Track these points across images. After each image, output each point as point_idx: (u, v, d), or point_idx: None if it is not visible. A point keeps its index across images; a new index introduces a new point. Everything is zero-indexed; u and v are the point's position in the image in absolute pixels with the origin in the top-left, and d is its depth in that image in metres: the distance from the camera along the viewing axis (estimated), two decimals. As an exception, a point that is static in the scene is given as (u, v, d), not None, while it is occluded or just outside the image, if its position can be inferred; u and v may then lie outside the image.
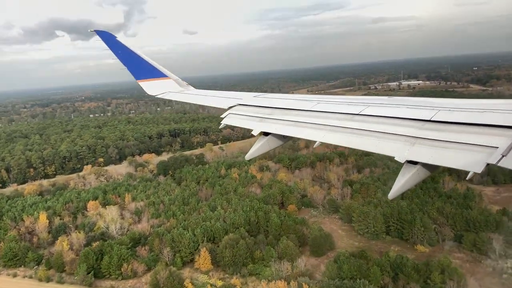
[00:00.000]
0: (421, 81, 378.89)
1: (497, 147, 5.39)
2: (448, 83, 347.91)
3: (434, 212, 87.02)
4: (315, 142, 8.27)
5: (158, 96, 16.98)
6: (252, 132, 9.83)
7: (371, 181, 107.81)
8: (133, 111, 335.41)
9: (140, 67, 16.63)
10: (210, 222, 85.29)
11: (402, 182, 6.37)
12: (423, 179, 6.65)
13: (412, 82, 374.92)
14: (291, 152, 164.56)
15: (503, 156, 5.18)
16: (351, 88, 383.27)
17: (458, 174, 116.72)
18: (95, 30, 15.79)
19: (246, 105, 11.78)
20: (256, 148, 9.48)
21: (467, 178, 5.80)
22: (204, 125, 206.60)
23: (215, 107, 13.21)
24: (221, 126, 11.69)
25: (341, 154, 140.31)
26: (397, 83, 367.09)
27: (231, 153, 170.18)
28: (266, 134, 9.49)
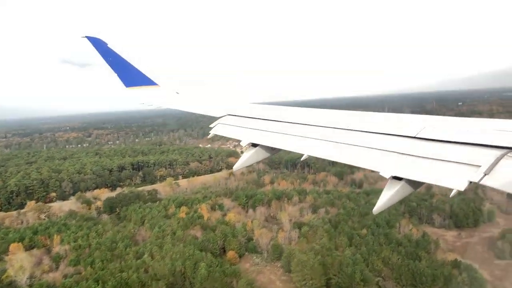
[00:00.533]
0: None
1: (480, 166, 5.45)
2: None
3: (380, 263, 77.52)
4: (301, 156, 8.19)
5: (148, 104, 16.52)
6: (241, 143, 9.66)
7: (321, 224, 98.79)
8: (111, 142, 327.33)
9: (130, 75, 16.45)
10: (128, 273, 75.22)
11: (386, 197, 6.34)
12: (407, 195, 6.57)
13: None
14: (256, 187, 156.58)
15: (485, 174, 5.25)
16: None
17: (419, 217, 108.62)
18: (86, 36, 15.52)
19: (236, 115, 11.63)
20: (244, 160, 9.32)
21: (450, 196, 5.72)
22: (171, 158, 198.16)
23: (205, 115, 13.00)
24: (209, 136, 11.60)
25: (302, 192, 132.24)
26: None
27: (192, 188, 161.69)
28: (254, 145, 9.35)
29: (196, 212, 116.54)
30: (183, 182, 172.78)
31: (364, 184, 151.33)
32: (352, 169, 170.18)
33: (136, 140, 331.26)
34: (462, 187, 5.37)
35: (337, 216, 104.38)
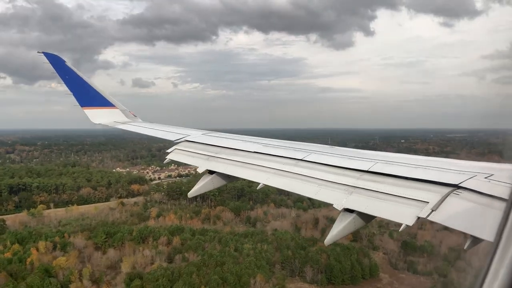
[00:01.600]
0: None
1: (428, 202, 5.59)
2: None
3: None
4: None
5: (103, 125, 15.97)
6: (198, 169, 9.64)
7: (159, 276, 77.81)
8: (35, 159, 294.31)
9: (87, 94, 16.02)
10: None
11: (338, 229, 6.41)
12: (358, 228, 6.68)
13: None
14: (138, 221, 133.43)
15: (432, 210, 5.38)
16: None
17: (292, 269, 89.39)
18: (43, 52, 15.14)
19: (194, 141, 11.46)
20: (200, 186, 9.29)
21: (399, 230, 5.83)
22: (59, 181, 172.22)
23: (162, 139, 12.89)
24: (166, 161, 11.51)
25: (177, 230, 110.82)
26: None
27: (67, 218, 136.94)
28: (211, 172, 9.31)
29: (27, 252, 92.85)
30: (60, 211, 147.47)
31: (257, 223, 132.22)
32: (252, 205, 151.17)
33: (61, 159, 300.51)
34: (410, 222, 5.49)
35: (187, 267, 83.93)
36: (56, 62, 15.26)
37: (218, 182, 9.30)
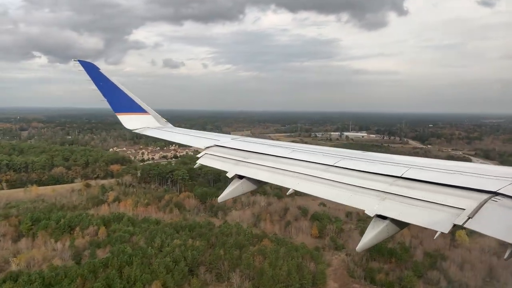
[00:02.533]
0: (365, 134, 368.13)
1: (464, 209, 5.45)
2: (392, 137, 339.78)
3: None
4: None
5: (136, 131, 16.54)
6: (227, 174, 9.45)
7: (36, 278, 63.37)
8: (37, 137, 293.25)
9: (120, 100, 16.43)
10: None
11: (370, 236, 6.26)
12: (392, 235, 6.50)
13: (357, 134, 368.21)
14: (92, 206, 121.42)
15: (469, 218, 5.23)
16: (292, 134, 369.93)
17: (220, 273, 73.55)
18: (78, 60, 15.50)
19: (223, 146, 11.45)
20: (230, 191, 9.15)
21: (434, 237, 5.78)
22: (30, 159, 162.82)
23: (193, 146, 13.12)
24: (196, 166, 11.34)
25: (114, 218, 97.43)
26: (339, 133, 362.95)
27: (14, 200, 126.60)
28: (240, 177, 9.19)
29: None
30: (18, 192, 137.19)
31: (220, 212, 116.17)
32: (219, 191, 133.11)
33: (68, 137, 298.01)
34: (446, 230, 5.35)
35: (80, 268, 68.92)
36: (91, 69, 15.55)
37: (248, 187, 9.21)
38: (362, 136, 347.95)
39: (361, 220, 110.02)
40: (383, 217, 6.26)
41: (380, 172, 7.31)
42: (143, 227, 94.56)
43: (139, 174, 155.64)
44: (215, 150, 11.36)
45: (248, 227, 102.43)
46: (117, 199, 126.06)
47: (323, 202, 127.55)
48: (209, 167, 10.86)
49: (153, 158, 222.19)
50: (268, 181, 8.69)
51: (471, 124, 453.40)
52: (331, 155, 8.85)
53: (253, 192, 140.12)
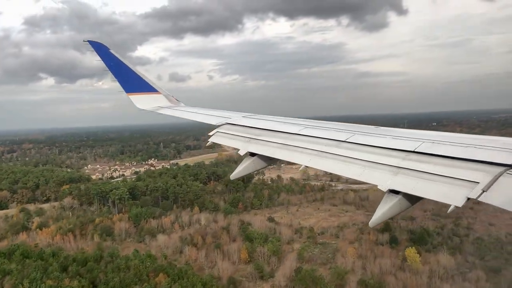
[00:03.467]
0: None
1: (478, 183, 5.36)
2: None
3: None
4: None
5: (148, 110, 15.90)
6: (239, 152, 9.39)
7: None
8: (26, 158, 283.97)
9: (131, 81, 16.03)
10: None
11: (383, 211, 6.14)
12: (405, 210, 6.40)
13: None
14: (14, 233, 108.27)
15: (483, 191, 5.16)
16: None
17: None
18: (88, 41, 15.16)
19: (235, 124, 11.28)
20: (242, 168, 9.09)
21: (448, 211, 5.63)
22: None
23: (204, 123, 12.66)
24: (208, 144, 11.31)
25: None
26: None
27: None
28: (252, 154, 9.10)
29: None
30: None
31: (148, 237, 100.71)
32: (178, 209, 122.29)
33: (52, 156, 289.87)
34: (460, 203, 5.27)
35: None
36: (101, 49, 15.25)
37: (259, 164, 9.09)
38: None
39: (311, 237, 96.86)
40: (396, 192, 6.11)
41: (393, 147, 7.12)
42: (26, 264, 78.71)
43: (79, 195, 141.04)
44: (227, 128, 11.26)
45: (163, 255, 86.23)
46: (42, 226, 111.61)
47: (273, 218, 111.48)
48: (221, 144, 11.16)
49: (123, 175, 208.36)
50: (279, 158, 8.68)
51: (478, 120, 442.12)
52: (343, 130, 8.64)
53: (205, 208, 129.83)
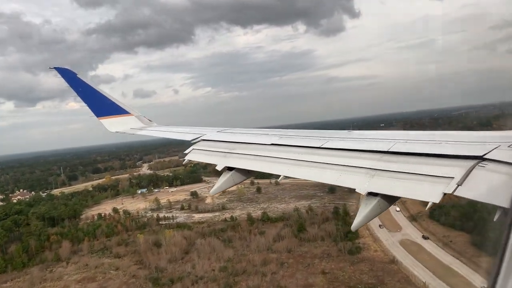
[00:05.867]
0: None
1: (453, 177, 5.36)
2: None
3: None
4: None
5: (120, 133, 15.76)
6: (217, 167, 9.34)
7: None
8: None
9: (101, 104, 15.85)
10: None
11: (364, 214, 6.16)
12: (384, 210, 6.44)
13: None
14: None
15: (458, 185, 5.17)
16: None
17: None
18: (55, 68, 15.02)
19: (210, 140, 11.29)
20: (221, 184, 9.04)
21: (426, 208, 5.92)
22: None
23: (179, 140, 12.61)
24: (184, 162, 11.26)
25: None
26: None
27: None
28: (230, 169, 9.10)
29: None
30: None
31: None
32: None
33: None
34: (437, 200, 5.27)
35: None
36: (68, 75, 15.16)
37: (238, 178, 9.02)
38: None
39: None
40: (374, 194, 6.14)
41: (367, 149, 7.13)
42: None
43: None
44: (202, 145, 11.19)
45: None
46: None
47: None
48: (198, 161, 10.83)
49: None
50: (257, 170, 8.66)
51: (431, 117, 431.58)
52: (317, 137, 8.61)
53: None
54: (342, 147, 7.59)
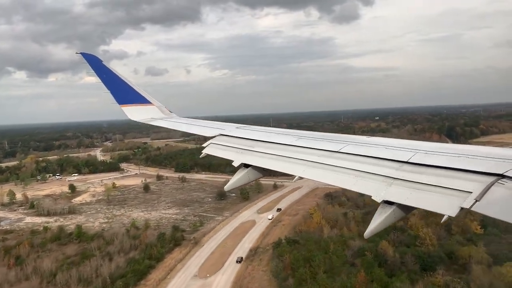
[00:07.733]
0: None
1: (471, 192, 5.35)
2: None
3: None
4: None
5: (141, 122, 15.88)
6: (233, 163, 9.31)
7: None
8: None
9: (124, 92, 15.89)
10: None
11: (378, 222, 6.13)
12: (398, 220, 6.45)
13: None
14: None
15: (476, 201, 5.16)
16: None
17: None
18: (81, 53, 15.01)
19: (228, 135, 11.31)
20: (236, 180, 9.01)
21: (441, 222, 5.72)
22: None
23: (198, 135, 12.72)
24: (202, 156, 11.11)
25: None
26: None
27: None
28: (246, 166, 9.08)
29: None
30: None
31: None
32: None
33: None
34: (453, 213, 5.23)
35: None
36: (93, 61, 15.21)
37: (254, 175, 9.00)
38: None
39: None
40: (390, 202, 6.09)
41: (386, 157, 7.07)
42: None
43: None
44: (220, 140, 11.19)
45: None
46: None
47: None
48: (215, 156, 10.71)
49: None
50: (273, 169, 8.56)
51: (431, 114, 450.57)
52: (335, 141, 8.63)
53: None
54: (361, 153, 7.56)
